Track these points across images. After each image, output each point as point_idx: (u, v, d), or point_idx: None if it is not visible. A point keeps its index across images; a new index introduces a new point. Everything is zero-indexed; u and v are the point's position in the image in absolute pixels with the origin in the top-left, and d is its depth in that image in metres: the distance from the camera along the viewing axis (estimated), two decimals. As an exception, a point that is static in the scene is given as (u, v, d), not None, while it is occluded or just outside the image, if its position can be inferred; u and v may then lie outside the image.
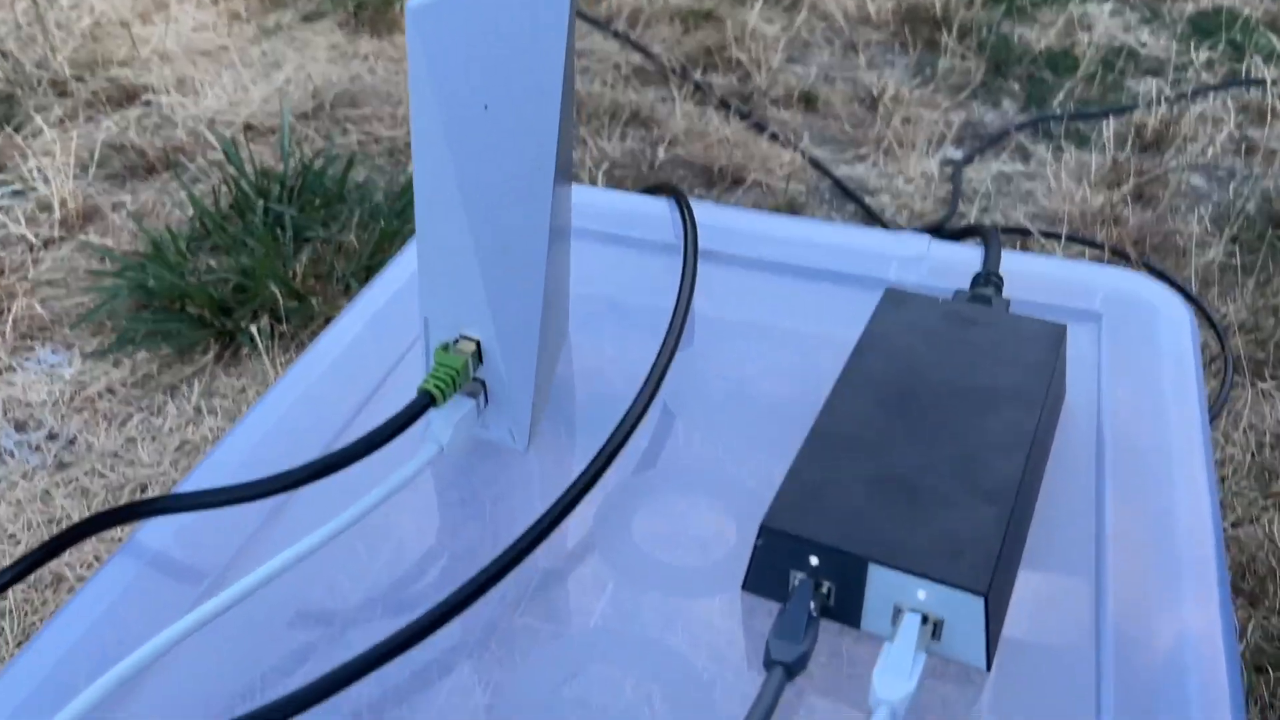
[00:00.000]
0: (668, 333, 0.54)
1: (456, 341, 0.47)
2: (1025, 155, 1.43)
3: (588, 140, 1.45)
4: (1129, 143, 1.42)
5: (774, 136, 1.46)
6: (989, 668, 0.40)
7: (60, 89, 1.59)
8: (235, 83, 1.58)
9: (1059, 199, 1.29)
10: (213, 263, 1.14)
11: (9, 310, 1.13)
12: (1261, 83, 1.58)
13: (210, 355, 1.06)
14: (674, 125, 1.46)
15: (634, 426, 0.49)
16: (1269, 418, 0.96)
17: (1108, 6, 1.84)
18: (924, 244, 0.62)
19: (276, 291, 1.07)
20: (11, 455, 0.96)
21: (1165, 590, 0.42)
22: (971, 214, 1.28)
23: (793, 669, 0.39)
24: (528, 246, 0.46)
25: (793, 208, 1.29)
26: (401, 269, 0.62)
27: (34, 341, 1.10)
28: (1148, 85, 1.57)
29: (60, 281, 1.18)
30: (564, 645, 0.42)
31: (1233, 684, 0.39)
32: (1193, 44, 1.68)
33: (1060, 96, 1.56)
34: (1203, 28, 1.76)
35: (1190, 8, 1.82)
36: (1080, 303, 0.58)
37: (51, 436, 0.97)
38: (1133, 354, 0.55)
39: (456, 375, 0.46)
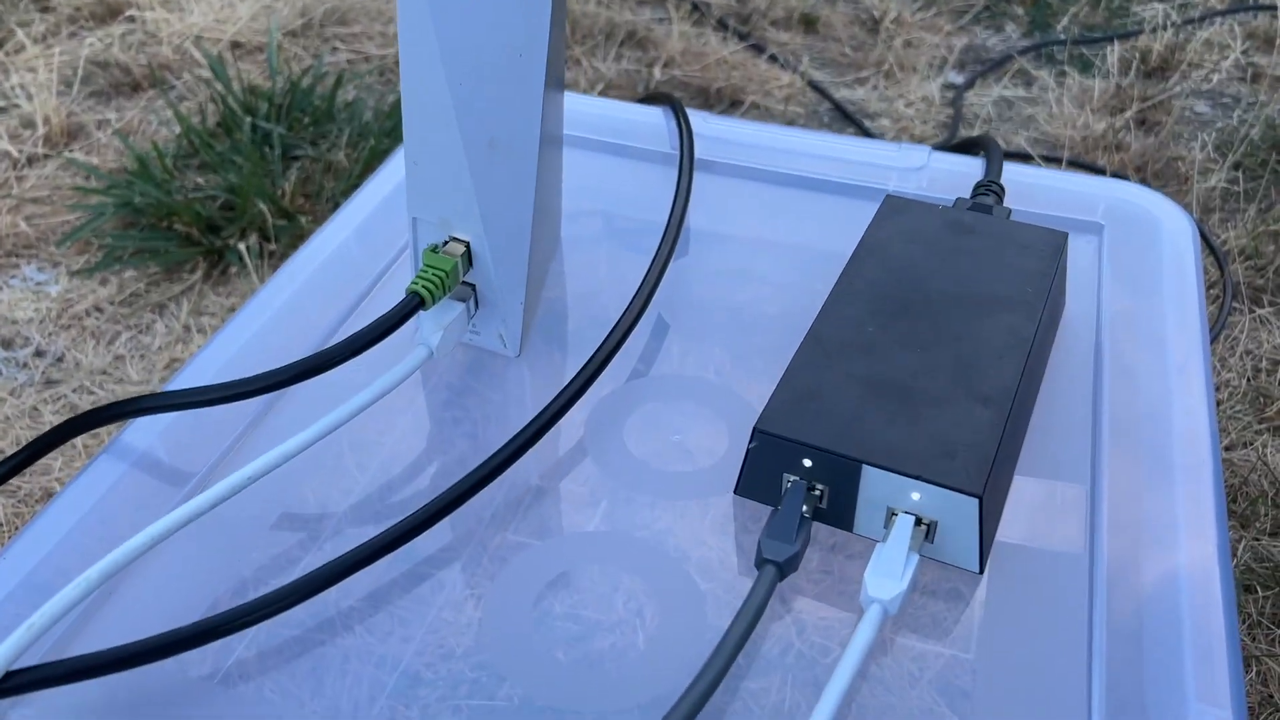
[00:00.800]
0: (661, 241, 0.53)
1: (445, 243, 0.46)
2: (1028, 80, 1.41)
3: (582, 60, 1.42)
4: (1133, 68, 1.40)
5: (773, 58, 1.43)
6: (982, 570, 0.40)
7: (42, 4, 1.55)
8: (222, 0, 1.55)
9: (1061, 124, 1.27)
10: (200, 180, 1.12)
11: (-6, 227, 1.11)
12: (1271, 8, 1.55)
13: (199, 274, 1.04)
14: (671, 46, 1.44)
15: (626, 334, 0.48)
16: (1266, 343, 0.96)
17: (1115, -70, 1.80)
18: (924, 155, 0.61)
19: (265, 209, 1.05)
20: (0, 373, 0.95)
21: (1160, 498, 0.42)
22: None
23: (784, 569, 0.38)
24: (518, 144, 0.44)
25: (790, 131, 1.27)
26: (391, 175, 0.61)
27: (19, 259, 1.08)
28: (1154, 10, 1.54)
29: (45, 199, 1.16)
30: (555, 548, 0.41)
31: (1226, 595, 0.39)
32: (1201, -32, 1.64)
33: (1064, 21, 1.53)
34: (1211, -48, 1.72)
35: (1199, -69, 1.78)
36: (1082, 214, 0.57)
37: (39, 354, 0.97)
38: (1134, 264, 0.54)
39: (445, 277, 0.45)
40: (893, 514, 0.40)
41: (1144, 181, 1.17)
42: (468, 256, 0.46)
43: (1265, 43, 1.49)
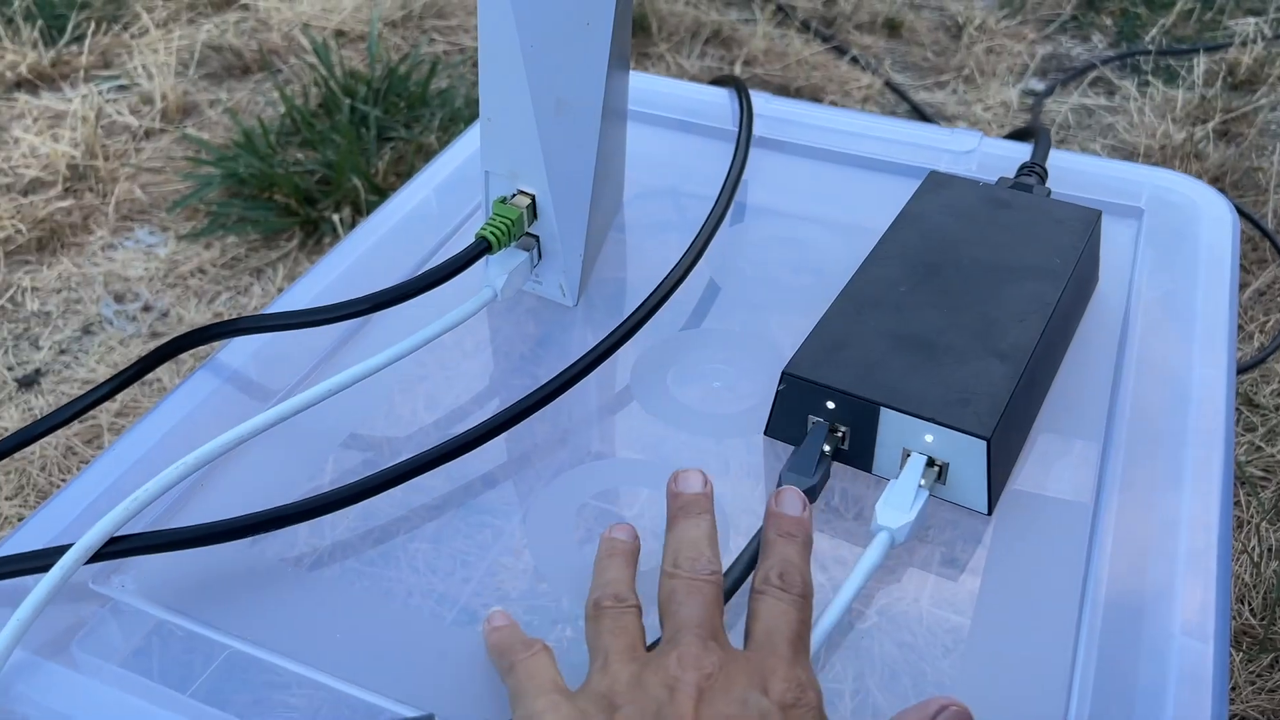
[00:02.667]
0: (714, 206, 0.56)
1: (513, 196, 0.51)
2: (1110, 89, 1.41)
3: (666, 56, 1.46)
4: (1219, 80, 1.39)
5: (854, 60, 1.46)
6: (990, 512, 0.43)
7: (165, -8, 1.65)
8: (329, -9, 1.63)
9: (1140, 133, 1.27)
10: (300, 156, 1.19)
11: (112, 193, 1.20)
12: (1370, 26, 1.52)
13: (295, 242, 1.11)
14: (754, 45, 1.47)
15: (674, 288, 0.52)
16: (1333, 353, 0.96)
17: (1214, -57, 1.78)
18: (975, 139, 0.64)
19: (358, 184, 1.12)
20: (110, 323, 1.03)
21: (1168, 463, 0.44)
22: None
23: (803, 498, 0.42)
24: (583, 105, 0.49)
25: (867, 131, 1.29)
26: (466, 145, 0.65)
27: (133, 223, 1.16)
28: (1246, 25, 1.52)
29: (159, 169, 1.25)
30: (598, 468, 0.45)
31: (1222, 562, 0.41)
32: (1300, -17, 1.62)
33: (1153, 33, 1.52)
34: (1313, -32, 1.69)
35: (1302, -53, 1.75)
36: (1124, 199, 0.59)
37: (146, 308, 1.04)
38: (1170, 247, 0.56)
39: (512, 225, 0.50)
40: (907, 455, 0.43)
41: (1221, 191, 1.17)
42: (533, 209, 0.50)
43: (1362, 59, 1.46)
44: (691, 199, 0.60)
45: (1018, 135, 0.65)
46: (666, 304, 0.52)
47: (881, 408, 0.43)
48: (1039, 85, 1.41)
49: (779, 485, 0.42)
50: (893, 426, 0.43)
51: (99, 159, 1.23)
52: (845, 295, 0.48)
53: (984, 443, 0.41)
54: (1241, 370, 0.93)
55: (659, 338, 0.52)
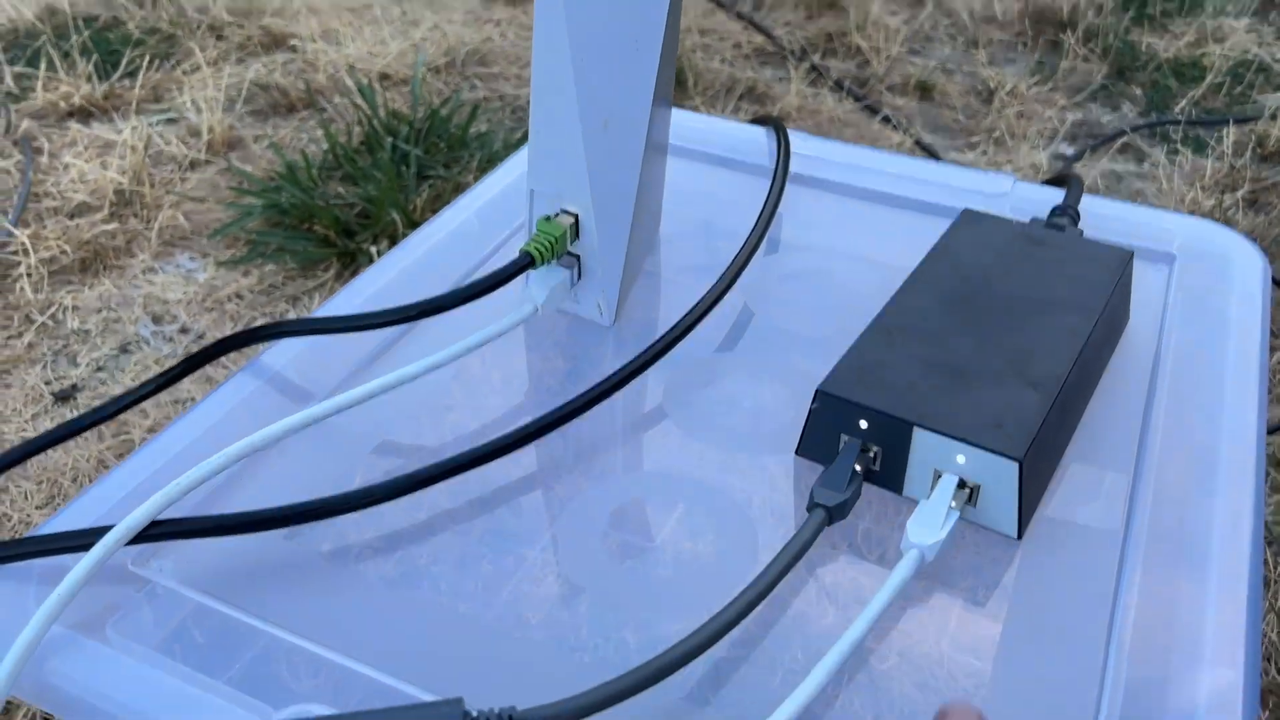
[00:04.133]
0: (750, 233, 0.58)
1: (557, 214, 0.52)
2: (1140, 156, 1.42)
3: (701, 109, 1.49)
4: (1249, 150, 1.40)
5: (886, 119, 1.48)
6: (1020, 536, 0.43)
7: (217, 33, 1.70)
8: (375, 36, 1.67)
9: (1169, 199, 1.28)
10: (341, 190, 1.22)
11: (155, 219, 1.22)
12: (1400, 104, 1.53)
13: (331, 272, 1.13)
14: (788, 102, 1.50)
15: (708, 309, 0.53)
16: (1362, 420, 0.95)
17: (1243, 21, 1.81)
18: (1009, 183, 0.65)
19: (397, 219, 1.14)
20: (147, 343, 1.05)
21: (1198, 494, 0.45)
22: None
23: (833, 514, 0.42)
24: (629, 127, 0.50)
25: (897, 187, 1.31)
26: (507, 173, 0.67)
27: (174, 249, 1.19)
28: (1276, 99, 1.54)
29: (203, 198, 1.27)
30: (629, 481, 0.46)
31: (1252, 594, 0.41)
32: (1330, 61, 1.64)
33: (1183, 103, 1.54)
34: (1344, 47, 1.71)
35: (1333, 27, 1.77)
36: (1157, 244, 0.60)
37: (183, 330, 1.06)
38: (1201, 292, 0.56)
39: (555, 242, 0.51)
40: (938, 476, 0.43)
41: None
42: (575, 228, 0.52)
43: (1392, 136, 1.47)
44: (728, 232, 0.62)
45: (1051, 182, 0.66)
46: (701, 328, 0.53)
47: (914, 427, 0.43)
48: (1069, 150, 1.43)
49: (810, 498, 0.42)
50: (925, 446, 0.43)
51: (145, 186, 1.26)
52: (879, 322, 0.49)
53: (1016, 464, 0.42)
54: (1271, 431, 0.93)
55: (693, 359, 0.53)
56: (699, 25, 1.73)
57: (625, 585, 0.41)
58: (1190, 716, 0.36)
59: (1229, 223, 1.24)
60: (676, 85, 1.53)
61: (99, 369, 1.01)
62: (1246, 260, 0.58)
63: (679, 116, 0.72)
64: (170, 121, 1.44)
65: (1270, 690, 0.72)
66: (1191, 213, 1.23)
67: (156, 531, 0.40)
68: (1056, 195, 0.63)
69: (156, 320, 1.08)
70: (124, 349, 1.04)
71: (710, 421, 0.49)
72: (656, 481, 0.46)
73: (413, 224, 1.15)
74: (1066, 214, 0.59)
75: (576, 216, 0.52)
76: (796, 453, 0.47)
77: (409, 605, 0.40)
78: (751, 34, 1.71)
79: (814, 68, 1.60)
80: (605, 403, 0.49)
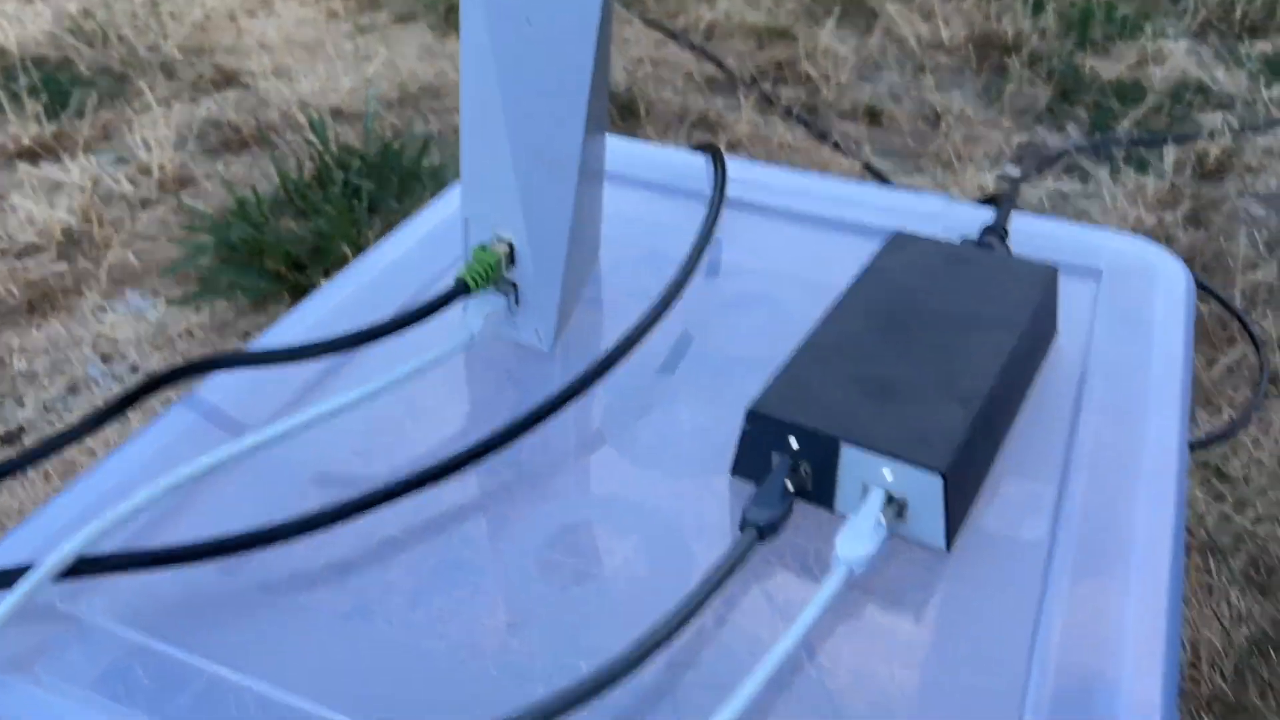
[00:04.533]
0: (688, 256, 0.58)
1: (492, 242, 0.52)
2: (1084, 176, 1.45)
3: (653, 138, 1.51)
4: (1189, 169, 1.43)
5: (836, 145, 1.50)
6: (949, 548, 0.44)
7: (168, 71, 1.70)
8: (328, 72, 1.68)
9: (1113, 217, 1.31)
10: (292, 225, 1.22)
11: (105, 258, 1.22)
12: (1334, 121, 1.57)
13: (283, 305, 1.13)
14: (739, 130, 1.52)
15: (644, 331, 0.53)
16: (1301, 429, 0.97)
17: (1183, 44, 1.85)
18: (942, 203, 0.66)
19: (348, 252, 1.14)
20: (96, 383, 1.04)
21: (1121, 504, 0.46)
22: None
23: (764, 531, 0.43)
24: (560, 157, 0.51)
25: (847, 211, 1.33)
26: (447, 204, 0.68)
27: (125, 287, 1.18)
28: (1214, 118, 1.58)
29: (153, 236, 1.27)
30: (564, 507, 0.46)
31: (1172, 604, 0.42)
32: (1264, 81, 1.68)
33: (1125, 124, 1.57)
34: (1278, 67, 1.76)
35: (1268, 48, 1.82)
36: (1084, 261, 0.61)
37: (134, 369, 1.05)
38: (1127, 306, 0.58)
39: (490, 270, 0.51)
40: (868, 490, 0.44)
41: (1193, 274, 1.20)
42: (510, 255, 0.52)
43: (1327, 153, 1.52)
44: (668, 258, 0.62)
45: (986, 201, 0.68)
46: (641, 352, 0.53)
47: (842, 443, 0.44)
48: (1015, 171, 1.46)
49: (742, 517, 0.43)
50: (853, 462, 0.44)
51: (94, 225, 1.26)
52: (809, 342, 0.50)
53: (940, 477, 0.42)
54: (1211, 442, 0.95)
55: (632, 383, 0.53)
56: (651, 55, 1.75)
57: (566, 610, 0.41)
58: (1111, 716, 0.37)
59: (1170, 239, 1.27)
60: (629, 116, 1.55)
61: (47, 410, 1.00)
62: (1171, 274, 0.60)
63: (619, 144, 0.73)
64: (120, 160, 1.44)
65: (1216, 698, 0.73)
66: (1135, 230, 1.26)
67: (85, 567, 0.40)
68: (988, 214, 0.65)
69: (106, 359, 1.07)
70: (72, 389, 1.04)
71: (649, 444, 0.50)
72: (598, 506, 0.46)
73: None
74: (995, 233, 0.60)
75: (511, 244, 0.52)
76: (731, 473, 0.48)
77: (350, 638, 0.40)
78: (703, 63, 1.74)
79: (764, 96, 1.63)
80: (546, 427, 0.49)
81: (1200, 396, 1.01)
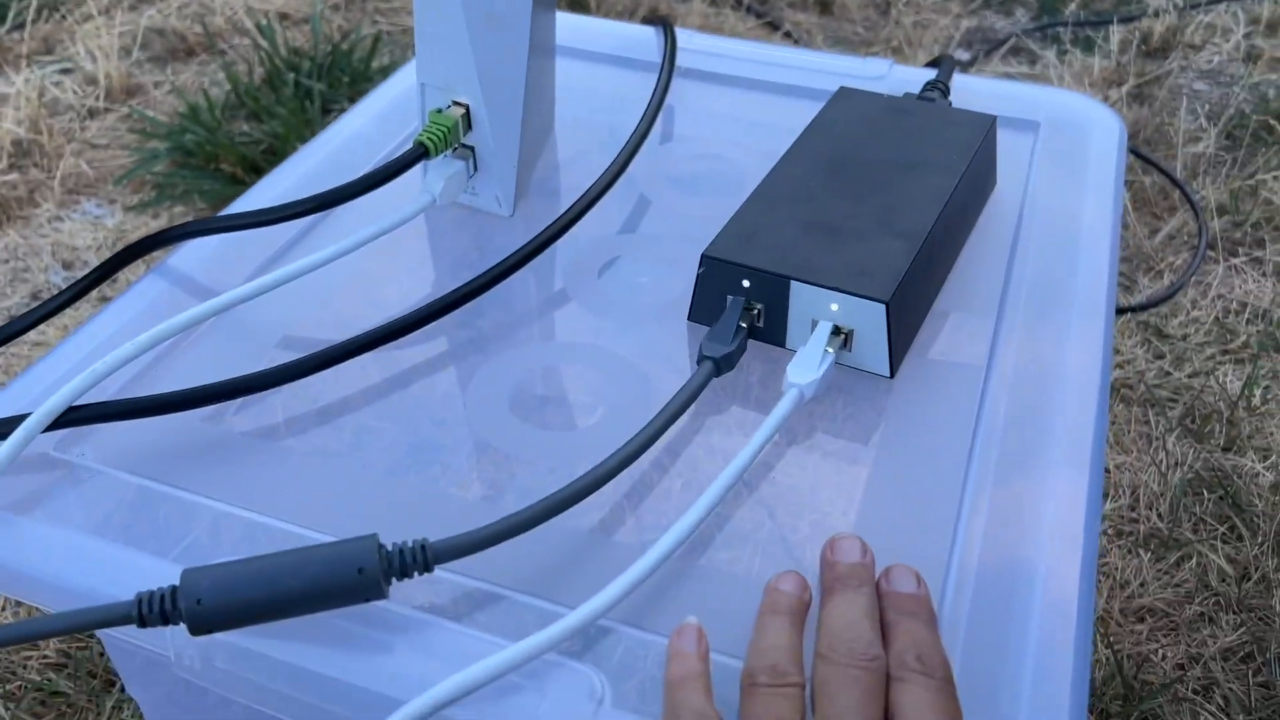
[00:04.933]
0: (640, 121, 0.60)
1: (449, 106, 0.54)
2: (1032, 58, 1.47)
3: (607, 34, 1.50)
4: (1133, 47, 1.45)
5: (787, 34, 1.50)
6: (893, 375, 0.47)
7: (106, -21, 1.66)
8: (272, -24, 1.64)
9: (1059, 96, 1.33)
10: (246, 128, 1.21)
11: (58, 168, 1.21)
12: (1276, -3, 1.59)
13: (242, 208, 1.13)
14: (690, 21, 1.51)
15: (603, 191, 0.55)
16: (1238, 289, 1.01)
17: (1131, -75, 1.85)
18: (886, 66, 0.68)
19: (304, 152, 1.14)
20: (59, 289, 1.04)
21: (1054, 333, 0.49)
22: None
23: (720, 365, 0.45)
24: (512, 18, 0.52)
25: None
26: (407, 75, 0.68)
27: (80, 196, 1.18)
28: (1161, -2, 1.60)
29: (105, 145, 1.26)
30: (534, 352, 0.48)
31: (1100, 405, 0.45)
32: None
33: (1073, 6, 1.58)
34: (1224, -54, 1.77)
35: (1214, -73, 1.83)
36: (1023, 115, 0.63)
37: (95, 274, 1.06)
38: (1063, 155, 0.60)
39: (448, 132, 0.53)
40: (816, 324, 0.47)
41: (1135, 147, 1.23)
42: (467, 118, 0.54)
43: (1268, 28, 1.54)
44: (624, 127, 0.64)
45: (930, 65, 0.69)
46: (600, 213, 0.55)
47: (791, 281, 0.46)
48: (964, 55, 1.47)
49: (699, 352, 0.45)
50: (802, 299, 0.47)
51: (44, 135, 1.24)
52: (759, 191, 0.52)
53: (883, 306, 0.45)
54: (1152, 305, 0.99)
55: (592, 241, 0.55)
56: (600, -49, 1.73)
57: (537, 442, 0.44)
58: (1039, 519, 0.40)
59: (1115, 115, 1.29)
60: (578, 6, 1.54)
61: (11, 318, 1.01)
62: (1105, 125, 0.62)
63: (572, 20, 0.74)
64: (65, 71, 1.41)
65: (1152, 535, 0.78)
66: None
67: (75, 416, 0.42)
68: (932, 76, 0.67)
69: (67, 266, 1.07)
70: (35, 296, 1.04)
71: (610, 297, 0.52)
72: (563, 351, 0.49)
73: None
74: (937, 88, 0.62)
75: (467, 108, 0.54)
76: (689, 318, 0.50)
77: (332, 471, 0.42)
78: (653, -43, 1.72)
79: (715, -13, 1.62)
80: (510, 284, 0.51)
81: (1142, 263, 1.05)
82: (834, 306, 0.46)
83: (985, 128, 0.56)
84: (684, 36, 0.71)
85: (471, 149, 0.55)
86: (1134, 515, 0.79)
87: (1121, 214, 0.57)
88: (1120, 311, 0.98)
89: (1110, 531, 0.78)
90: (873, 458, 0.43)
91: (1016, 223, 0.56)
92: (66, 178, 1.19)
